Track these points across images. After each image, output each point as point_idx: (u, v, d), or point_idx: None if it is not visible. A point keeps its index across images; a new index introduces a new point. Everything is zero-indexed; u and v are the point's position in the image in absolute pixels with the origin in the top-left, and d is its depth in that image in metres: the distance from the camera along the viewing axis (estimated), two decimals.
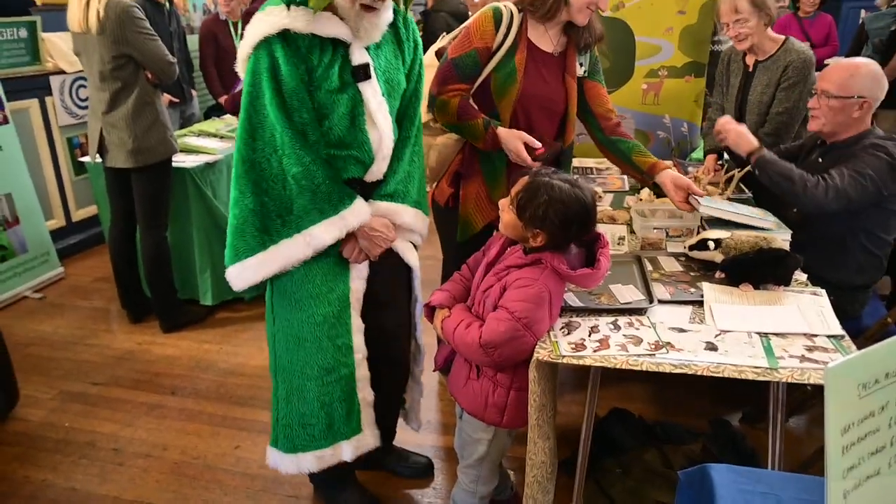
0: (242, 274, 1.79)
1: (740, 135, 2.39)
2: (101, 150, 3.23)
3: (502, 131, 2.13)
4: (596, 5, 2.09)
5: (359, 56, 1.76)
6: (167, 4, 4.56)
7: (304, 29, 1.66)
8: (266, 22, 1.65)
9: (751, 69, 2.88)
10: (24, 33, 4.19)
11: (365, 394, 1.96)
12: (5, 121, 3.86)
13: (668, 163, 2.35)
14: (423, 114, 2.22)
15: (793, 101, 2.74)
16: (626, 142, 2.33)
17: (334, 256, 1.85)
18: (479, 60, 2.13)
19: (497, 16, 2.13)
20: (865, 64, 2.25)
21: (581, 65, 2.29)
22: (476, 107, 2.17)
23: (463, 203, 2.28)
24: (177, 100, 4.72)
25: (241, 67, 1.75)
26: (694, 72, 3.38)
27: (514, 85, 2.15)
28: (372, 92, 1.79)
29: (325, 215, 1.76)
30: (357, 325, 1.91)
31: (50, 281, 4.13)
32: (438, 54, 2.34)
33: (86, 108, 4.49)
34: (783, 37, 2.82)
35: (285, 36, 1.66)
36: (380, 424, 2.07)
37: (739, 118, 2.89)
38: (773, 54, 2.78)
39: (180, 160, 3.46)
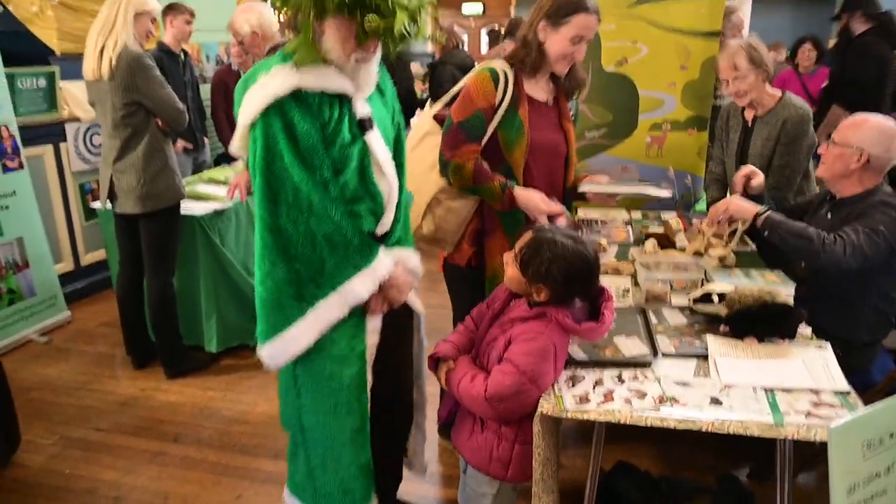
0: (285, 348, 1.74)
1: (739, 207, 2.38)
2: (111, 195, 3.28)
3: (519, 193, 2.19)
4: (572, 56, 2.18)
5: (361, 108, 1.77)
6: (182, 55, 4.68)
7: (315, 86, 1.66)
8: (274, 84, 1.63)
9: (750, 124, 2.92)
10: (42, 83, 4.30)
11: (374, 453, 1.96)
12: (20, 166, 3.92)
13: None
14: (439, 178, 2.28)
15: (793, 155, 2.77)
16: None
17: (353, 314, 1.81)
18: (485, 120, 2.19)
19: (494, 75, 2.20)
20: (878, 119, 2.26)
21: (570, 109, 2.41)
22: (489, 168, 2.21)
23: (489, 259, 2.31)
24: (190, 146, 4.81)
25: (241, 141, 1.71)
26: (697, 125, 3.44)
27: (523, 138, 2.21)
28: (377, 142, 1.81)
29: (359, 268, 1.74)
30: (370, 381, 1.90)
31: (56, 325, 4.14)
32: (437, 119, 2.38)
33: (98, 154, 4.57)
34: (780, 92, 2.87)
35: (297, 95, 1.64)
36: (386, 473, 2.05)
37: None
38: (772, 109, 2.83)
39: (189, 207, 3.50)
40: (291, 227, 1.67)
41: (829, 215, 2.39)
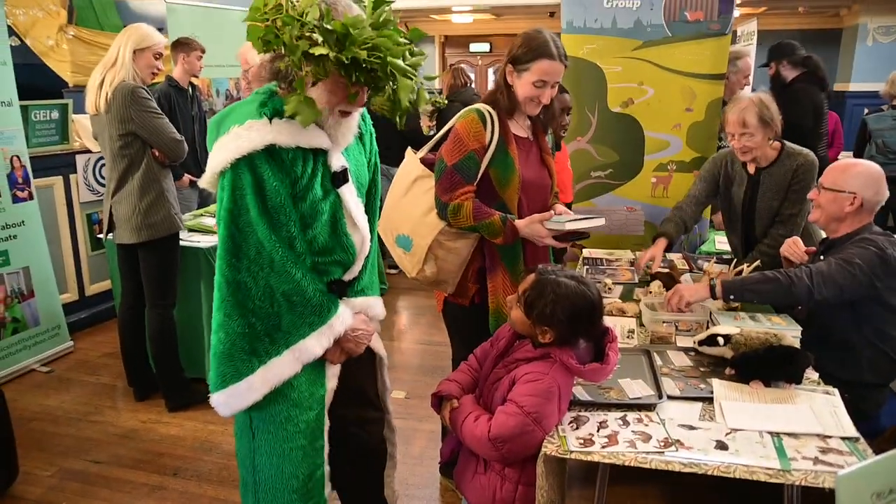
0: (230, 401, 1.69)
1: (692, 291, 2.36)
2: (111, 227, 3.31)
3: (519, 223, 2.22)
4: (538, 100, 2.24)
5: (337, 161, 1.74)
6: (190, 90, 4.75)
7: (290, 142, 1.62)
8: (247, 138, 1.58)
9: (754, 174, 2.87)
10: (56, 115, 4.36)
11: (328, 490, 1.89)
12: (30, 197, 3.96)
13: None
14: (436, 221, 2.28)
15: (804, 203, 2.75)
16: None
17: (313, 361, 1.78)
18: (478, 160, 2.23)
19: (482, 116, 2.25)
20: (863, 164, 2.32)
21: (548, 142, 2.46)
22: (486, 206, 2.24)
23: (493, 295, 2.32)
24: (197, 179, 4.83)
25: (210, 181, 1.67)
26: (701, 166, 3.46)
27: (515, 175, 2.26)
28: (350, 194, 1.78)
29: (314, 327, 1.71)
30: (327, 425, 1.85)
31: (59, 354, 4.14)
32: (424, 164, 2.40)
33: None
34: (779, 143, 2.82)
35: (270, 151, 1.60)
36: None
37: (747, 224, 2.91)
38: (777, 160, 2.80)
39: (195, 240, 3.52)
40: (251, 282, 1.64)
41: (822, 257, 2.41)
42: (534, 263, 2.36)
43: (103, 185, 4.62)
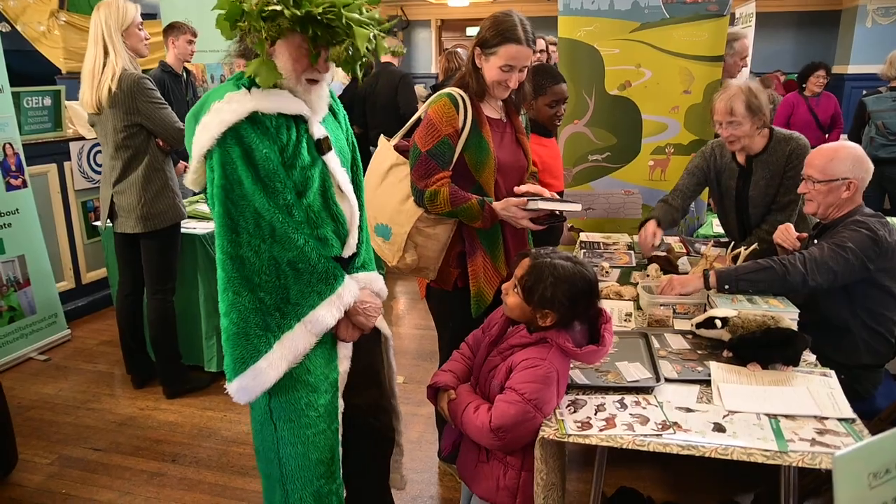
0: (251, 385, 1.65)
1: (683, 282, 2.36)
2: (112, 216, 3.29)
3: (497, 205, 2.22)
4: (506, 84, 2.22)
5: (318, 130, 1.74)
6: (184, 75, 4.72)
7: (272, 108, 1.62)
8: (229, 110, 1.58)
9: (745, 165, 2.84)
10: (48, 101, 4.33)
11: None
12: (24, 185, 3.94)
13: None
14: (414, 209, 2.28)
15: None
16: None
17: (325, 342, 1.77)
18: (452, 145, 2.22)
19: (453, 100, 2.24)
20: (844, 147, 2.31)
21: (521, 121, 2.44)
22: (462, 190, 2.23)
23: (474, 279, 2.31)
24: None
25: (195, 174, 1.67)
26: (699, 149, 3.44)
27: (490, 158, 2.26)
28: (335, 164, 1.78)
29: (324, 296, 1.69)
30: (341, 406, 1.85)
31: (56, 343, 4.13)
32: (398, 150, 2.38)
33: (101, 172, 4.60)
34: (768, 130, 2.78)
35: (253, 119, 1.60)
36: (377, 501, 2.03)
37: (741, 214, 2.89)
38: (767, 146, 2.77)
39: (191, 227, 3.51)
40: (254, 256, 1.62)
41: (815, 241, 2.41)
42: (514, 246, 2.37)
43: (98, 173, 4.61)
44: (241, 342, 1.64)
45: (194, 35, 4.53)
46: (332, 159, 1.77)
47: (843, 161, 2.28)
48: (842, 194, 2.29)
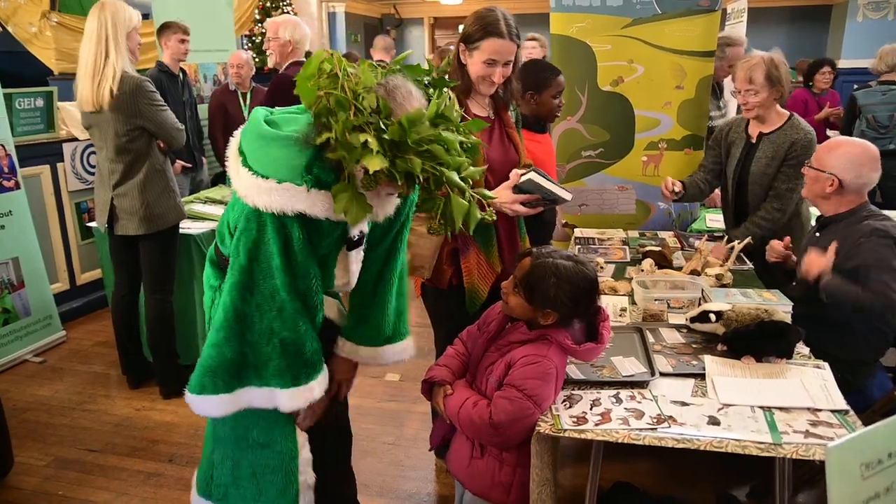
0: (203, 405, 1.69)
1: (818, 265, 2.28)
2: (112, 218, 3.27)
3: (487, 194, 2.20)
4: (490, 79, 2.21)
5: (356, 231, 1.73)
6: (181, 75, 4.71)
7: (320, 215, 1.56)
8: (279, 200, 1.52)
9: (754, 140, 2.90)
10: (40, 103, 4.31)
11: (306, 476, 1.86)
12: (17, 186, 3.92)
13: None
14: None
15: (800, 178, 2.76)
16: None
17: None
18: None
19: None
20: (848, 144, 2.31)
21: (511, 117, 2.43)
22: None
23: (467, 276, 2.32)
24: (189, 165, 4.82)
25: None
26: (692, 144, 3.46)
27: (478, 155, 2.24)
28: (356, 254, 1.80)
29: (298, 383, 1.69)
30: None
31: (51, 345, 4.12)
32: None
33: (95, 174, 4.59)
34: (788, 113, 2.86)
35: (301, 215, 1.56)
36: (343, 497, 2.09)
37: (739, 187, 2.93)
38: (779, 128, 2.82)
39: (186, 227, 3.50)
40: (256, 317, 1.63)
41: (818, 234, 2.42)
42: (507, 241, 2.36)
43: (92, 174, 4.59)
44: (208, 375, 1.66)
45: (186, 33, 4.52)
46: (355, 252, 1.78)
47: (837, 157, 2.29)
48: (825, 188, 2.30)
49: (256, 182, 1.54)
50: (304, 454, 1.83)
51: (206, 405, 1.69)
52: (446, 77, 1.75)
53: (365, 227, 1.76)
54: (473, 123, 1.64)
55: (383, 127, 1.42)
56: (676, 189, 2.96)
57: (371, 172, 1.41)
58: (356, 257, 1.81)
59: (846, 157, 2.28)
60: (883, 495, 0.92)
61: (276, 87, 3.67)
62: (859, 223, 2.27)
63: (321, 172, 1.53)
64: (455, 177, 1.49)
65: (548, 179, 2.23)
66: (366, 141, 1.39)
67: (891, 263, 2.18)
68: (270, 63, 4.01)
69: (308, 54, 3.43)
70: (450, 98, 1.58)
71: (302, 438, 1.81)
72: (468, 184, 1.54)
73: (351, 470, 2.26)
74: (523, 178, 2.18)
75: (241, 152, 1.60)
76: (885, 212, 2.40)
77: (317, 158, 1.53)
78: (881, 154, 2.37)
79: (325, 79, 1.48)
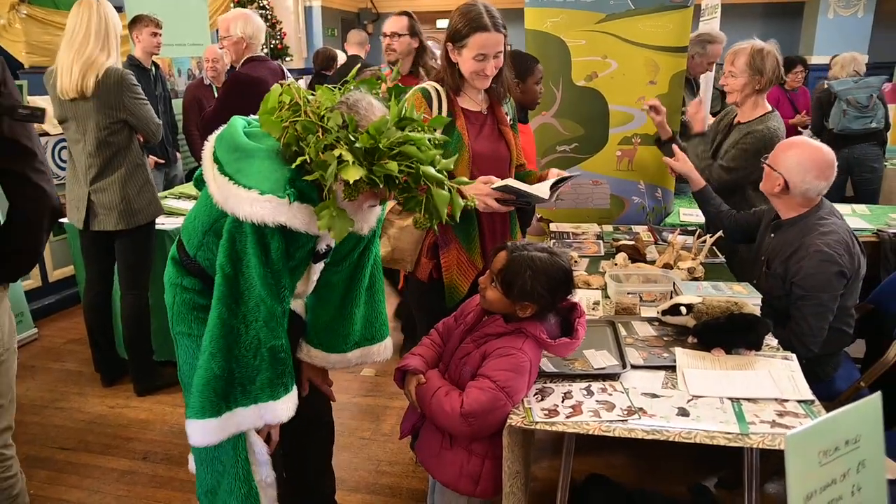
0: (203, 433, 1.67)
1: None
2: (88, 214, 3.22)
3: (465, 188, 2.20)
4: (483, 73, 2.22)
5: (324, 244, 1.76)
6: (153, 69, 4.66)
7: (300, 228, 1.59)
8: (261, 212, 1.53)
9: (732, 125, 3.00)
10: None
11: (262, 476, 1.84)
12: None
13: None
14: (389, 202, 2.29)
15: (738, 164, 2.83)
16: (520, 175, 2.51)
17: None
18: None
19: (426, 95, 2.26)
20: (802, 146, 2.32)
21: (507, 113, 2.44)
22: None
23: (447, 271, 2.33)
24: (162, 161, 4.77)
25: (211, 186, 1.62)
26: None
27: (464, 150, 2.27)
28: (318, 266, 1.84)
29: (289, 389, 1.72)
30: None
31: (23, 342, 4.05)
32: None
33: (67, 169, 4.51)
34: (770, 108, 2.91)
35: (282, 227, 1.58)
36: (319, 493, 2.13)
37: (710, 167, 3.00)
38: (751, 120, 2.88)
39: (160, 222, 3.47)
40: (243, 330, 1.64)
41: (772, 234, 2.46)
42: (490, 239, 2.37)
43: (63, 169, 4.52)
44: (196, 396, 1.66)
45: (158, 27, 4.47)
46: (320, 265, 1.82)
47: (787, 158, 2.31)
48: (774, 187, 2.34)
49: (237, 192, 1.55)
50: (260, 456, 1.82)
51: (207, 432, 1.67)
52: (399, 84, 1.77)
53: (330, 243, 1.78)
54: (436, 120, 1.67)
55: (353, 140, 1.46)
56: (652, 103, 3.09)
57: (352, 183, 1.44)
58: (317, 268, 1.84)
59: (795, 160, 2.29)
60: (839, 481, 0.95)
61: (232, 86, 3.60)
62: (807, 234, 2.28)
63: (304, 186, 1.56)
64: (431, 170, 1.53)
65: (519, 183, 2.24)
66: (340, 155, 1.44)
67: (819, 297, 2.22)
68: (227, 61, 3.93)
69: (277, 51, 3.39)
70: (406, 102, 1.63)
71: (253, 437, 1.79)
72: (445, 175, 1.58)
73: (331, 466, 2.27)
74: (499, 184, 2.19)
75: (217, 160, 1.62)
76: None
77: (299, 172, 1.55)
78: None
79: (286, 110, 1.54)
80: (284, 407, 1.71)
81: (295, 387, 1.77)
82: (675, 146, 2.96)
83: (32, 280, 4.43)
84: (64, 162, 4.55)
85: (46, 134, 4.44)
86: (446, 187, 1.58)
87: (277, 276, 1.64)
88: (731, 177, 2.85)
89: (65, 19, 3.14)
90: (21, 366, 3.76)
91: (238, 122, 1.66)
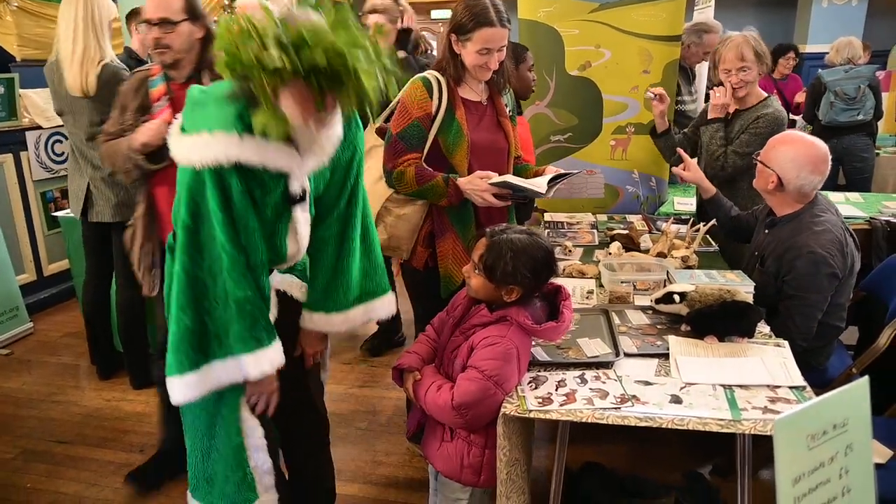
0: (183, 389, 1.68)
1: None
2: (87, 205, 3.24)
3: (461, 181, 2.23)
4: (486, 66, 2.23)
5: (297, 184, 1.72)
6: (149, 61, 4.63)
7: (256, 162, 1.59)
8: (213, 151, 1.55)
9: (730, 117, 2.98)
10: (1, 90, 4.22)
11: (257, 462, 1.85)
12: None
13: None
14: (385, 189, 2.32)
15: (754, 149, 2.81)
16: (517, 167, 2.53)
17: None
18: (422, 128, 2.25)
19: (427, 84, 2.26)
20: (796, 141, 2.32)
21: (506, 105, 2.44)
22: (431, 169, 2.26)
23: (442, 260, 2.34)
24: None
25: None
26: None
27: (463, 140, 2.27)
28: (301, 212, 1.78)
29: (262, 345, 1.70)
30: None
31: (18, 336, 4.06)
32: (380, 133, 2.43)
33: (60, 162, 4.51)
34: (766, 94, 2.94)
35: (237, 166, 1.58)
36: (318, 486, 2.12)
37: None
38: (752, 106, 2.90)
39: None
40: (210, 281, 1.63)
41: (767, 230, 2.46)
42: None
43: (57, 163, 4.52)
44: (173, 352, 1.66)
45: None
46: (300, 208, 1.77)
47: (780, 154, 2.31)
48: (767, 184, 2.34)
49: (191, 140, 1.57)
50: (254, 441, 1.82)
51: (186, 388, 1.67)
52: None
53: (306, 182, 1.75)
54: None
55: (283, 41, 1.44)
56: (658, 92, 3.10)
57: (272, 70, 1.43)
58: (303, 218, 1.79)
59: (789, 157, 2.28)
60: (827, 464, 0.96)
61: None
62: (801, 233, 2.27)
63: (272, 126, 1.54)
64: (361, 61, 1.49)
65: (517, 179, 2.24)
66: (264, 43, 1.43)
67: (808, 298, 2.23)
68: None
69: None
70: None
71: (252, 423, 1.80)
72: (382, 62, 1.54)
73: (329, 457, 2.27)
74: (497, 180, 2.19)
75: (182, 128, 1.63)
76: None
77: (247, 107, 1.55)
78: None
79: (236, 35, 1.49)
80: (259, 361, 1.69)
81: (275, 343, 1.73)
82: (682, 152, 2.89)
83: (28, 274, 4.43)
84: (58, 155, 4.55)
85: (39, 127, 4.43)
86: (380, 78, 1.53)
87: (243, 220, 1.62)
88: (745, 162, 2.83)
89: (56, 11, 3.13)
90: (17, 360, 3.79)
91: (195, 88, 1.68)
